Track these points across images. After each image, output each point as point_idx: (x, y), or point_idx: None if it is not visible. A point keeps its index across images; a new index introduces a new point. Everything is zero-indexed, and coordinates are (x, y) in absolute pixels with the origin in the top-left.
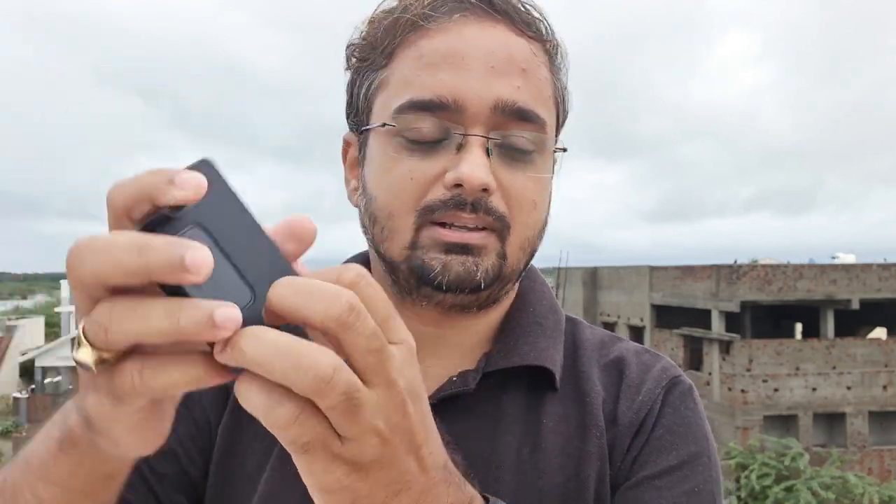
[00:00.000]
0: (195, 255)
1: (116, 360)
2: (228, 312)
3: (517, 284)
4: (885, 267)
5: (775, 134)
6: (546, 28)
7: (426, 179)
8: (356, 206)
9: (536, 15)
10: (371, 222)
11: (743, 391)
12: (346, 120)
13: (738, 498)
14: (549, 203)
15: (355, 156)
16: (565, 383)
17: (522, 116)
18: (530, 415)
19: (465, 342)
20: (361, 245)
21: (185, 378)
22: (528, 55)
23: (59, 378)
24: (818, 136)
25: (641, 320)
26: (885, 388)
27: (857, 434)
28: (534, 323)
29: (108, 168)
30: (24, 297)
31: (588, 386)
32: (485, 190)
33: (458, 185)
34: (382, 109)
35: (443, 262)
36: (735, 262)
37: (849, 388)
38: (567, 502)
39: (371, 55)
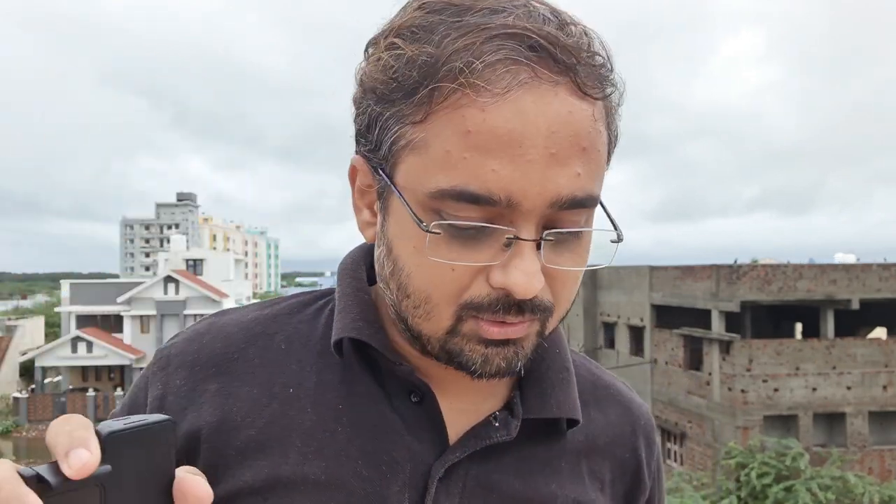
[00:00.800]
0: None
1: None
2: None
3: None
4: (885, 267)
5: (779, 134)
6: (610, 73)
7: (469, 274)
8: (370, 241)
9: (602, 57)
10: (401, 294)
11: (743, 391)
12: (354, 140)
13: (739, 498)
14: None
15: (369, 184)
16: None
17: (579, 205)
18: (562, 463)
19: (490, 388)
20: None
21: None
22: (590, 125)
23: (59, 378)
24: (822, 135)
25: (641, 320)
26: (885, 388)
27: (858, 434)
28: (563, 368)
29: (110, 168)
30: (24, 297)
31: (586, 421)
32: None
33: (511, 294)
34: (414, 179)
35: (483, 356)
36: (735, 262)
37: (849, 388)
38: None
39: (399, 100)
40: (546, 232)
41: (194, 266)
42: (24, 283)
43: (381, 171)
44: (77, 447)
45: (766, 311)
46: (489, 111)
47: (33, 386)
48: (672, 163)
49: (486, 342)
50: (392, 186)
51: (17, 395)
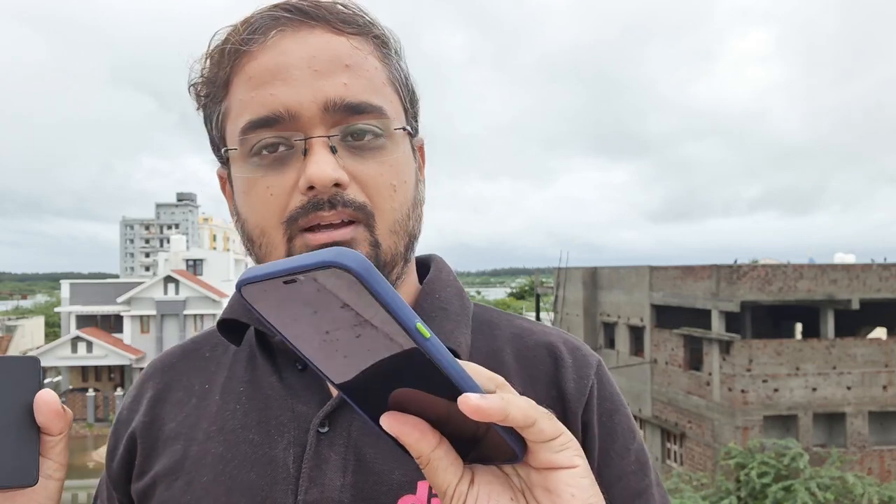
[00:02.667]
0: None
1: None
2: None
3: (410, 272)
4: (885, 267)
5: (783, 133)
6: (367, 21)
7: (284, 191)
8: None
9: (353, 10)
10: (250, 243)
11: (743, 391)
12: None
13: (738, 498)
14: (416, 184)
15: (225, 180)
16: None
17: (356, 110)
18: None
19: None
20: None
21: None
22: (351, 50)
23: (59, 378)
24: (826, 135)
25: (641, 320)
26: (885, 388)
27: (857, 434)
28: (438, 308)
29: (112, 168)
30: (24, 297)
31: (496, 366)
32: (337, 185)
33: (312, 188)
34: (231, 136)
35: None
36: (735, 262)
37: (849, 388)
38: None
39: (211, 89)
40: (331, 130)
41: (194, 266)
42: (24, 283)
43: (221, 156)
44: None
45: (766, 311)
46: (259, 56)
47: None
48: (676, 162)
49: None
50: (225, 158)
51: None
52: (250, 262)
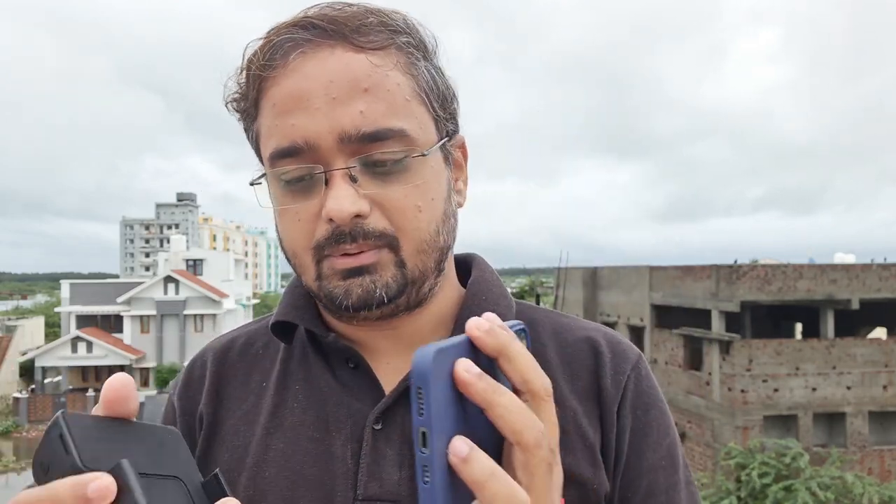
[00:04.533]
0: (98, 484)
1: None
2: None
3: (450, 276)
4: (885, 267)
5: (789, 133)
6: (393, 28)
7: (310, 218)
8: None
9: (375, 19)
10: (287, 259)
11: (743, 391)
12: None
13: (738, 498)
14: (447, 196)
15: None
16: None
17: (374, 137)
18: None
19: (417, 333)
20: None
21: None
22: (371, 70)
23: (59, 378)
24: (831, 134)
25: (641, 320)
26: (885, 388)
27: (858, 434)
28: (486, 308)
29: (113, 168)
30: (24, 297)
31: (540, 363)
32: (358, 216)
33: (332, 220)
34: (264, 158)
35: (344, 288)
36: (735, 262)
37: (849, 388)
38: None
39: (244, 107)
40: (351, 159)
41: (194, 266)
42: (24, 283)
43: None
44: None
45: (766, 311)
46: (280, 82)
47: (33, 386)
48: (681, 162)
49: (342, 275)
50: (260, 178)
51: (17, 395)
52: (250, 261)
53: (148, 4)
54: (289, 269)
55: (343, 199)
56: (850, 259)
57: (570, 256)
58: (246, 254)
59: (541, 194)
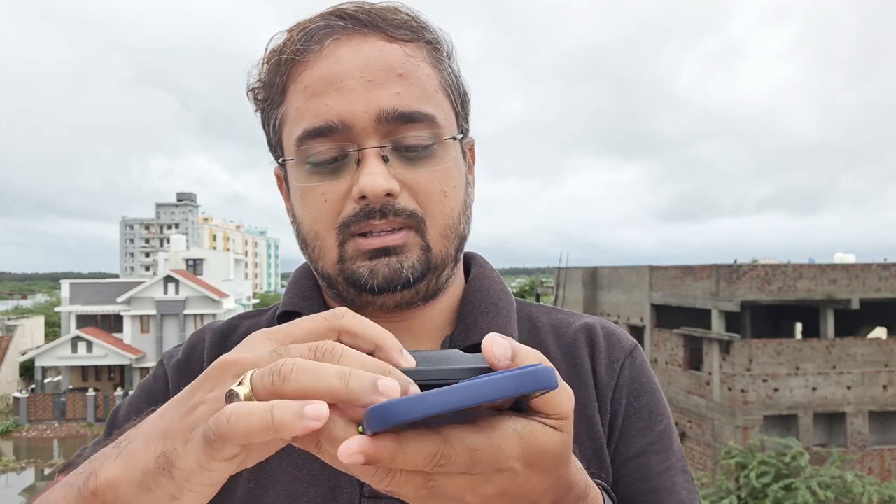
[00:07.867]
0: (386, 382)
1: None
2: (389, 383)
3: (458, 271)
4: (885, 267)
5: (796, 132)
6: (420, 26)
7: (338, 198)
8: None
9: (406, 15)
10: (304, 245)
11: (743, 391)
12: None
13: (738, 497)
14: (466, 187)
15: (285, 188)
16: None
17: (408, 119)
18: None
19: (424, 328)
20: None
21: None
22: (404, 58)
23: (59, 378)
24: (839, 134)
25: (641, 320)
26: (885, 388)
27: (858, 434)
28: (489, 304)
29: (113, 168)
30: (24, 297)
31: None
32: (389, 194)
33: (364, 197)
34: (287, 142)
35: (370, 268)
36: (735, 261)
37: (849, 387)
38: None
39: (269, 94)
40: (384, 140)
41: (194, 266)
42: (24, 283)
43: (278, 159)
44: None
45: (765, 311)
46: (314, 66)
47: (33, 386)
48: (687, 162)
49: (368, 255)
50: (282, 163)
51: (17, 394)
52: (250, 261)
53: (158, 4)
54: (289, 270)
55: (378, 176)
56: (850, 259)
57: (572, 256)
58: (246, 254)
59: (543, 194)
